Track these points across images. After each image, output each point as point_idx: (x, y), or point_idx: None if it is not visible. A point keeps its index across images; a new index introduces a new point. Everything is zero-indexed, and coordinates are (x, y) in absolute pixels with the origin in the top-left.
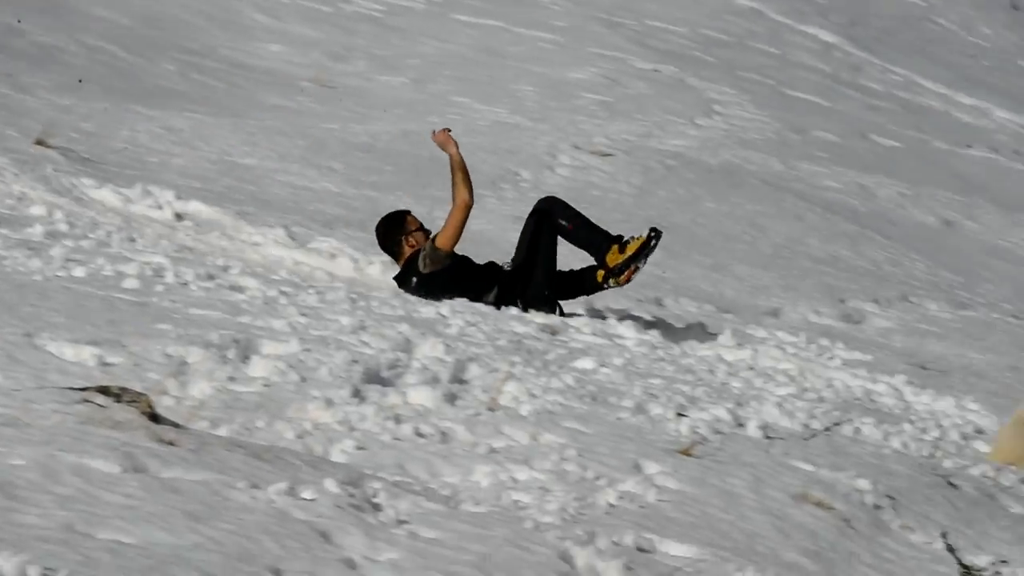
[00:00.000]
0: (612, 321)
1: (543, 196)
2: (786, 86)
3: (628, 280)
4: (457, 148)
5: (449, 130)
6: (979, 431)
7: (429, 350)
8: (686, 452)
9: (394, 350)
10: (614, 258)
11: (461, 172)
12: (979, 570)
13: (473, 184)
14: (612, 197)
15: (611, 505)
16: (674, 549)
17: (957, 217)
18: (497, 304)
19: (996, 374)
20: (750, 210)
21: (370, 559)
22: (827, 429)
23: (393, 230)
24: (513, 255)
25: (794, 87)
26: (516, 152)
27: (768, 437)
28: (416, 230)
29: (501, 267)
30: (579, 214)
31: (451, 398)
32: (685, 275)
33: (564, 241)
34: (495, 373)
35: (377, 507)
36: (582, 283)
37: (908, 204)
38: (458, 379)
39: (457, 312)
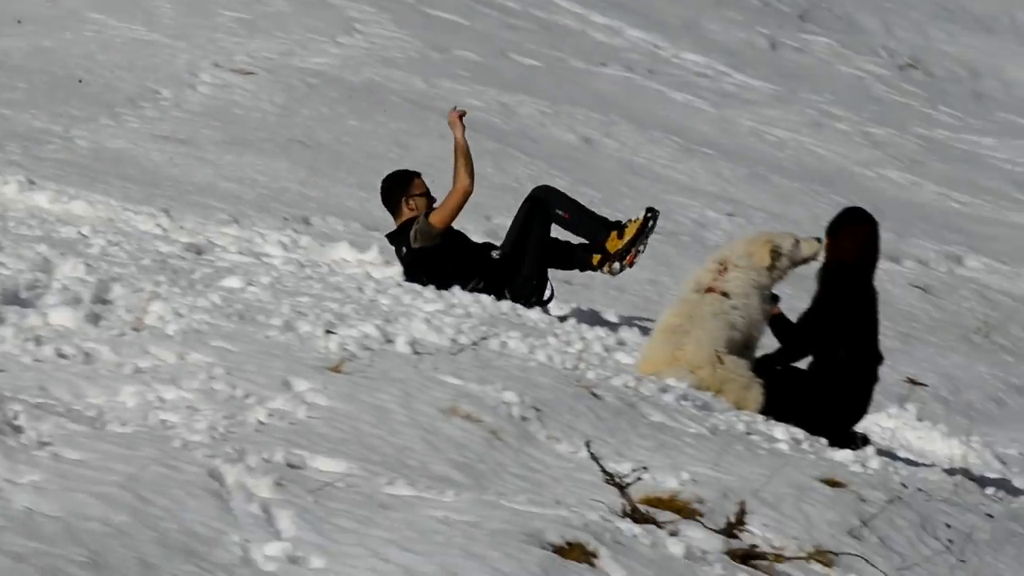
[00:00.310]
0: (258, 240)
1: (539, 184)
2: (425, 4)
3: (631, 263)
4: (463, 132)
5: (464, 113)
6: (621, 343)
7: (70, 270)
8: (335, 369)
9: (33, 271)
10: (614, 244)
11: (464, 157)
12: (621, 477)
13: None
14: (255, 116)
15: (261, 423)
16: (325, 464)
17: (595, 135)
18: (484, 291)
19: (637, 288)
20: (394, 128)
21: (11, 481)
22: (474, 344)
23: (397, 188)
24: (502, 242)
25: (434, 6)
26: (155, 70)
27: (417, 352)
28: (420, 194)
29: (490, 254)
30: (575, 202)
31: (94, 319)
32: (331, 194)
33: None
34: (140, 293)
35: (18, 429)
36: (572, 257)
37: (548, 122)
38: (101, 299)
39: (98, 232)
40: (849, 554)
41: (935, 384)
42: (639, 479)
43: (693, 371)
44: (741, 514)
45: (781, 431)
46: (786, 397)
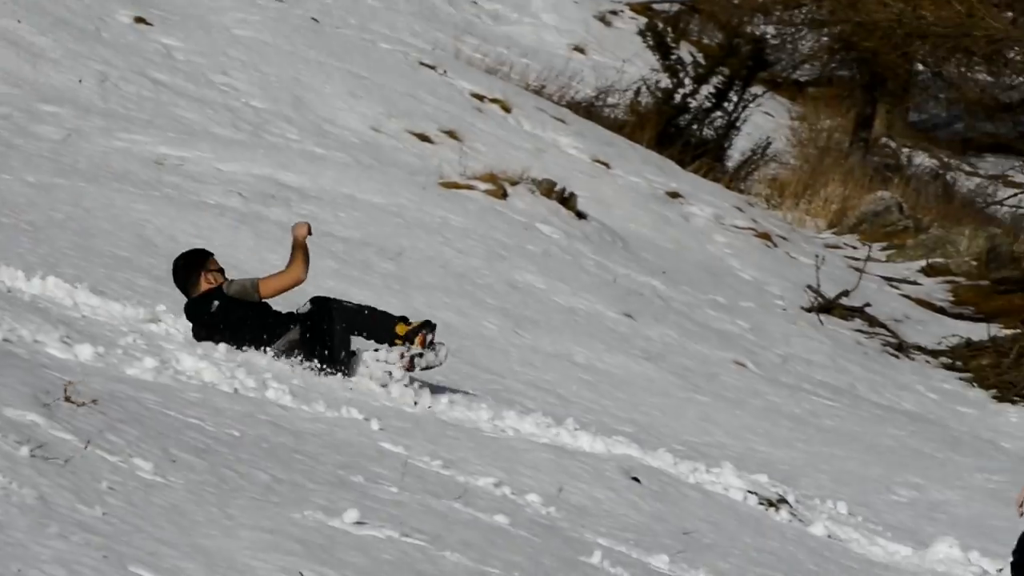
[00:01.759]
0: None
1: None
2: None
3: (422, 344)
4: (306, 233)
5: (308, 225)
6: None
7: None
8: None
9: None
10: (403, 329)
11: (304, 251)
12: None
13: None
14: None
15: None
16: None
17: None
18: (301, 342)
19: None
20: None
21: None
22: None
23: (195, 264)
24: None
25: None
26: None
27: None
28: (217, 269)
29: (296, 312)
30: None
31: None
32: None
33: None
34: None
35: None
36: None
37: None
38: None
39: None
40: None
41: None
42: None
43: None
44: None
45: None
46: None
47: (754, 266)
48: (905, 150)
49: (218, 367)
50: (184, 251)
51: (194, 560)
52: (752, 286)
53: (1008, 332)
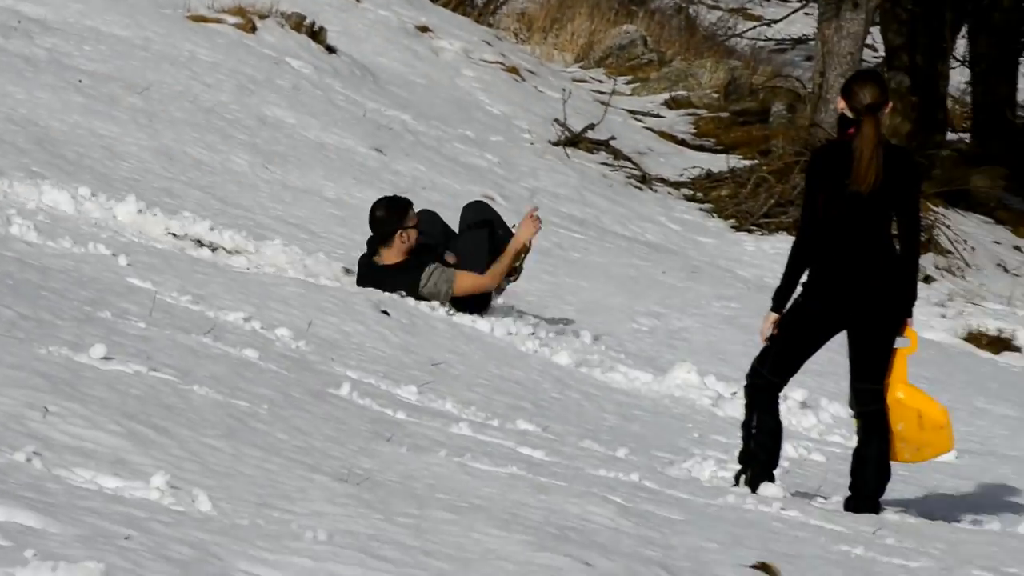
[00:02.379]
0: None
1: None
2: None
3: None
4: (532, 235)
5: (539, 221)
6: None
7: None
8: None
9: None
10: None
11: (514, 258)
12: None
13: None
14: None
15: None
16: None
17: None
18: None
19: None
20: None
21: None
22: None
23: (395, 218)
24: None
25: None
26: None
27: None
28: (413, 227)
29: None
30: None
31: None
32: None
33: None
34: None
35: None
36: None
37: None
38: None
39: None
40: None
41: None
42: None
43: None
44: None
45: None
46: None
47: (503, 100)
48: None
49: None
50: (387, 199)
51: None
52: (501, 120)
53: (746, 163)
